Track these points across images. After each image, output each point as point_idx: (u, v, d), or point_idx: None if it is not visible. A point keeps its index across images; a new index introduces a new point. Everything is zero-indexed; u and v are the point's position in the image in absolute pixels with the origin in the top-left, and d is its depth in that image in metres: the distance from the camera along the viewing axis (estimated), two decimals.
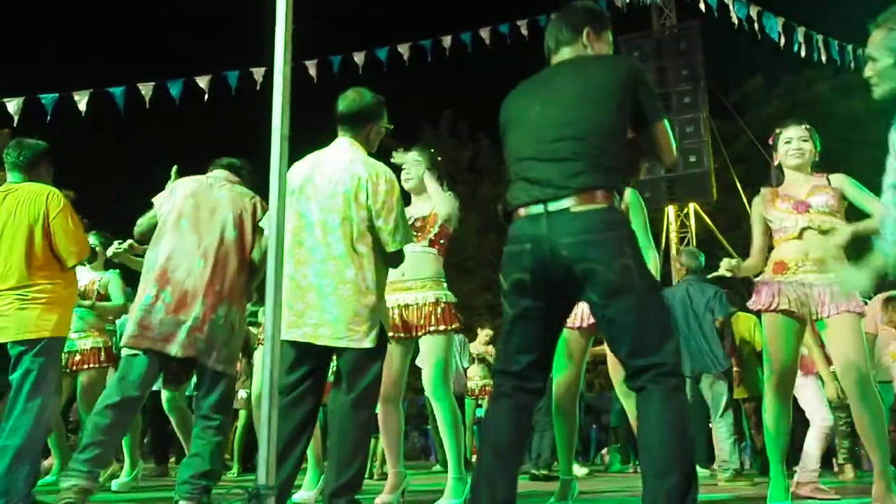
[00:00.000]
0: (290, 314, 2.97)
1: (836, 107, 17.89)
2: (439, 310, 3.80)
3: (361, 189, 3.01)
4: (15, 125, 7.29)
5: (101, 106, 7.97)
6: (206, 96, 8.20)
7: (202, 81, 8.25)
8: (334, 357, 3.12)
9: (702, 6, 12.60)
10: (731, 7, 11.77)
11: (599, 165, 2.24)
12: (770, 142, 3.85)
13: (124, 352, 3.28)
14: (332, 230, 2.99)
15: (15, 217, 3.50)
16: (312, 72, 9.22)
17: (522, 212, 2.28)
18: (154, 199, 3.52)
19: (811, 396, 5.10)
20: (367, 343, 2.94)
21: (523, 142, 2.37)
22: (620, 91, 2.30)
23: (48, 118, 7.34)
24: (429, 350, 3.80)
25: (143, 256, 3.65)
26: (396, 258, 3.10)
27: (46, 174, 3.76)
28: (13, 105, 7.09)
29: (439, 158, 4.09)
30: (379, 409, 3.82)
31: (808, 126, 3.75)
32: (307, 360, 2.99)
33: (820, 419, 4.94)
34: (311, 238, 3.01)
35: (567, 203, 2.21)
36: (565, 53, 2.48)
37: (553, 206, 2.22)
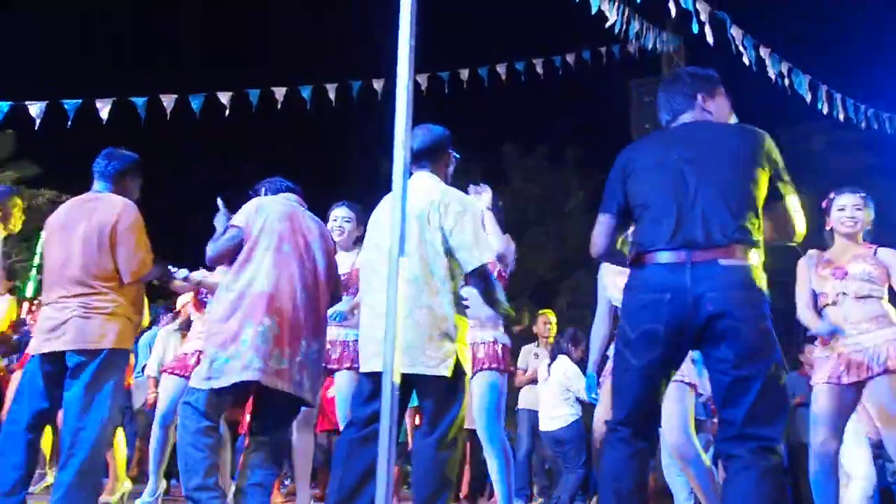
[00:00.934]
0: (369, 344, 2.95)
1: (830, 162, 18.25)
2: (495, 350, 3.81)
3: (434, 212, 2.99)
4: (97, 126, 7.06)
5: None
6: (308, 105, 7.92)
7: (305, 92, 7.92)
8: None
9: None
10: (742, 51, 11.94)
11: (743, 226, 2.25)
12: (823, 206, 3.85)
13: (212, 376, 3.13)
14: (406, 255, 2.94)
15: (90, 228, 3.41)
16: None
17: (660, 259, 2.26)
18: (237, 221, 3.33)
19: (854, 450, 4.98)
20: (443, 370, 2.88)
21: (662, 191, 2.35)
22: (756, 160, 2.33)
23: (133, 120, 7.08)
24: (481, 389, 3.76)
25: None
26: (479, 277, 3.01)
27: (134, 186, 3.68)
28: (35, 108, 6.95)
29: (500, 203, 4.10)
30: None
31: (863, 194, 3.77)
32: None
33: (863, 477, 4.69)
34: (384, 267, 2.96)
35: (713, 255, 2.21)
36: (686, 119, 2.51)
37: (698, 257, 2.21)
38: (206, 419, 3.09)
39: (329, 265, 3.38)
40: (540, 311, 7.62)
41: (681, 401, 3.44)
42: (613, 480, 2.26)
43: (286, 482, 7.55)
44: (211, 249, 3.31)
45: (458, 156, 3.38)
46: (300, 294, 3.19)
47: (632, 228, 2.57)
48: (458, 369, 2.93)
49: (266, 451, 3.17)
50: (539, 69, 11.37)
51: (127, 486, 5.23)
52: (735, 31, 7.71)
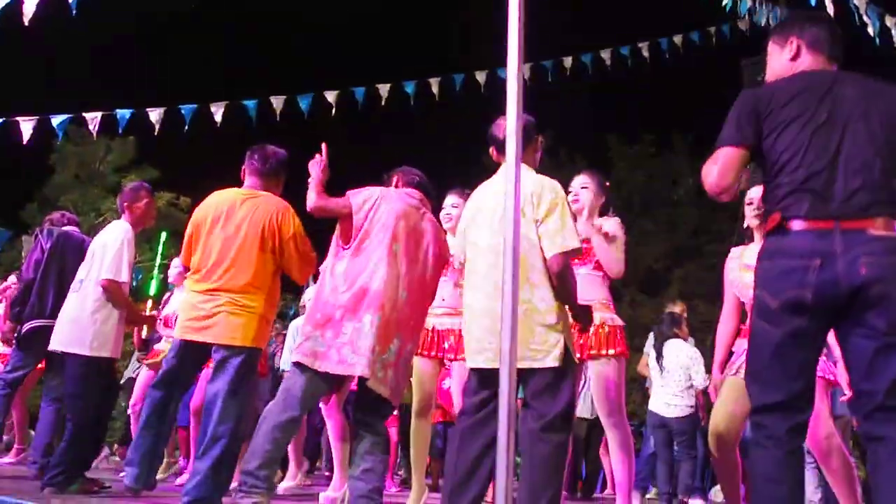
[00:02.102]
0: (472, 341, 3.00)
1: None
2: (608, 333, 3.68)
3: (527, 203, 2.93)
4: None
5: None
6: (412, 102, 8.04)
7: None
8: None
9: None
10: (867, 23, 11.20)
11: (893, 196, 2.16)
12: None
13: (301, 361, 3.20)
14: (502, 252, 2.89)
15: (250, 225, 3.51)
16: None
17: (807, 225, 2.14)
18: (356, 198, 3.30)
19: None
20: (551, 362, 2.85)
21: (810, 151, 2.21)
22: None
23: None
24: (598, 375, 3.65)
25: None
26: (556, 262, 2.92)
27: (281, 183, 3.81)
28: (155, 114, 7.28)
29: (607, 183, 4.00)
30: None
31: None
32: (490, 384, 2.87)
33: None
34: (483, 262, 3.00)
35: (865, 224, 2.10)
36: (832, 66, 2.39)
37: (847, 225, 2.10)
38: (290, 410, 3.14)
39: (437, 268, 3.38)
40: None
41: (821, 398, 3.25)
42: (772, 484, 2.12)
43: (399, 472, 7.66)
44: (317, 202, 3.23)
45: (542, 138, 3.29)
46: (404, 295, 3.19)
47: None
48: (566, 358, 2.89)
49: (371, 439, 3.22)
50: (645, 53, 11.02)
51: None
52: (858, 0, 7.21)
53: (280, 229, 3.51)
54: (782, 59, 2.45)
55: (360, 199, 3.30)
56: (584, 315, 3.08)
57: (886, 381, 2.04)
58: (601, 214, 3.88)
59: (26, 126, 6.86)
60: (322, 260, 3.46)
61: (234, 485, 4.47)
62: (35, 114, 6.96)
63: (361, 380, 3.19)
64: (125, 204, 4.38)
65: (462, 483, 2.85)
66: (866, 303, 2.06)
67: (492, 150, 3.16)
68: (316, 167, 3.30)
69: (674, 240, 21.14)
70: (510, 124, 2.17)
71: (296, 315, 6.32)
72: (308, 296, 5.65)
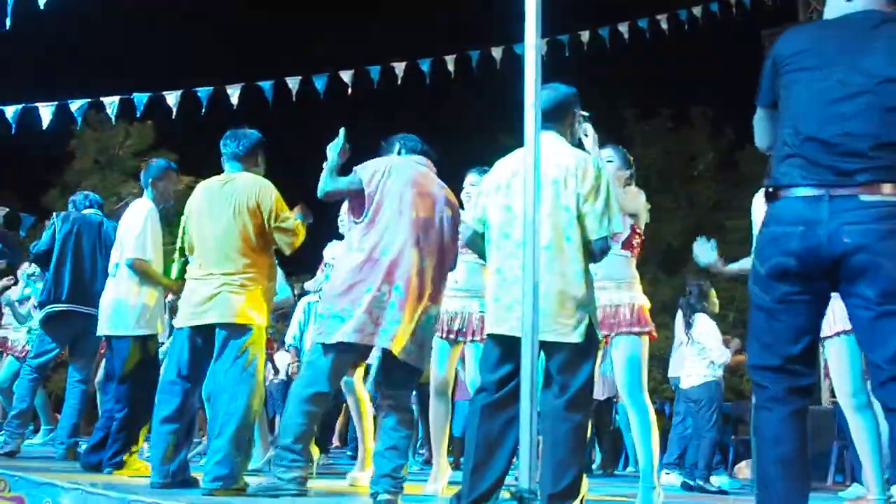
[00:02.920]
0: (497, 308, 2.94)
1: None
2: (633, 311, 3.64)
3: (570, 177, 2.89)
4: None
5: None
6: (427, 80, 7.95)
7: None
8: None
9: None
10: None
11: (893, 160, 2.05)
12: None
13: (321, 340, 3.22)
14: (539, 221, 2.85)
15: (231, 206, 3.56)
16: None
17: (796, 192, 2.10)
18: (363, 172, 3.30)
19: None
20: (575, 337, 2.82)
21: (810, 116, 2.14)
22: None
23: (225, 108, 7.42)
24: (622, 352, 3.62)
25: None
26: (600, 247, 2.92)
27: (262, 162, 3.83)
28: (172, 98, 7.30)
29: (631, 158, 3.93)
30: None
31: None
32: (513, 356, 2.83)
33: None
34: (517, 231, 2.90)
35: (854, 191, 2.03)
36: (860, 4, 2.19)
37: (838, 192, 2.03)
38: (316, 384, 3.18)
39: (453, 233, 3.37)
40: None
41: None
42: (774, 444, 2.10)
43: (421, 451, 7.69)
44: (326, 184, 3.25)
45: (586, 114, 3.25)
46: (421, 261, 3.20)
47: None
48: (591, 334, 2.87)
49: (395, 414, 3.23)
50: (664, 24, 10.83)
51: None
52: None
53: (259, 205, 3.55)
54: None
55: (370, 171, 3.30)
56: None
57: (889, 351, 1.99)
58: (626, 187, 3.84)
59: (45, 112, 6.92)
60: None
61: (261, 463, 4.53)
62: (54, 99, 7.02)
63: (385, 353, 3.20)
64: (151, 180, 4.48)
65: (483, 462, 2.83)
66: (854, 272, 2.01)
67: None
68: (333, 150, 3.30)
69: (693, 216, 20.95)
70: (528, 98, 2.14)
71: (302, 294, 6.34)
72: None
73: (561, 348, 2.84)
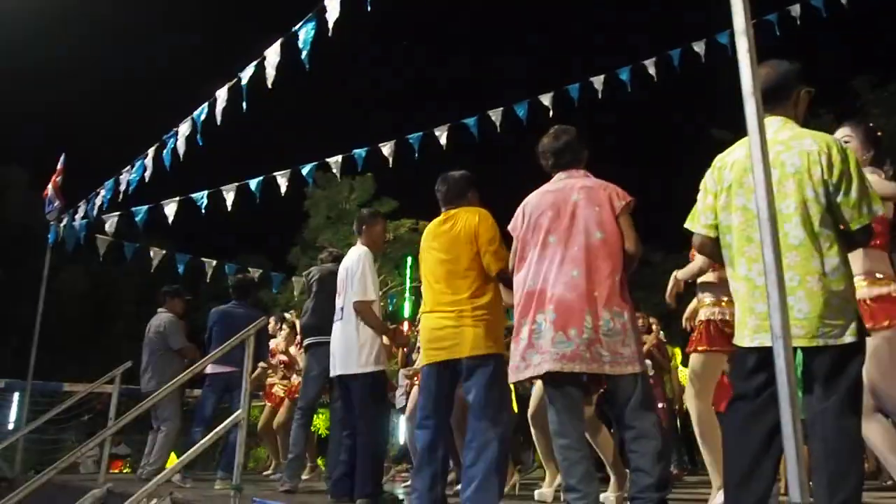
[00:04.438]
0: (752, 318, 2.70)
1: None
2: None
3: (815, 164, 2.65)
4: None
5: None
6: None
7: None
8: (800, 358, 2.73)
9: None
10: None
11: None
12: None
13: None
14: (786, 218, 2.64)
15: (454, 239, 3.77)
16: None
17: None
18: (510, 229, 3.59)
19: None
20: (848, 338, 2.56)
21: None
22: None
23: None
24: (878, 350, 3.27)
25: None
26: (863, 235, 2.67)
27: (474, 198, 4.03)
28: (387, 148, 7.78)
29: (879, 133, 3.57)
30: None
31: None
32: (769, 365, 2.64)
33: None
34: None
35: None
36: None
37: None
38: (559, 431, 3.27)
39: (610, 229, 3.32)
40: None
41: None
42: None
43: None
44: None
45: (811, 90, 2.95)
46: (573, 276, 3.23)
47: None
48: (861, 330, 2.61)
49: (633, 433, 3.20)
50: None
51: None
52: None
53: (478, 232, 3.74)
54: None
55: (512, 224, 3.58)
56: None
57: None
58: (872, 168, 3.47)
59: (282, 180, 7.66)
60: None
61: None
62: (287, 167, 7.74)
63: (592, 377, 3.28)
64: (363, 227, 4.80)
65: (746, 479, 2.62)
66: None
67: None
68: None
69: None
70: (745, 87, 2.02)
71: None
72: None
73: (829, 350, 2.59)
